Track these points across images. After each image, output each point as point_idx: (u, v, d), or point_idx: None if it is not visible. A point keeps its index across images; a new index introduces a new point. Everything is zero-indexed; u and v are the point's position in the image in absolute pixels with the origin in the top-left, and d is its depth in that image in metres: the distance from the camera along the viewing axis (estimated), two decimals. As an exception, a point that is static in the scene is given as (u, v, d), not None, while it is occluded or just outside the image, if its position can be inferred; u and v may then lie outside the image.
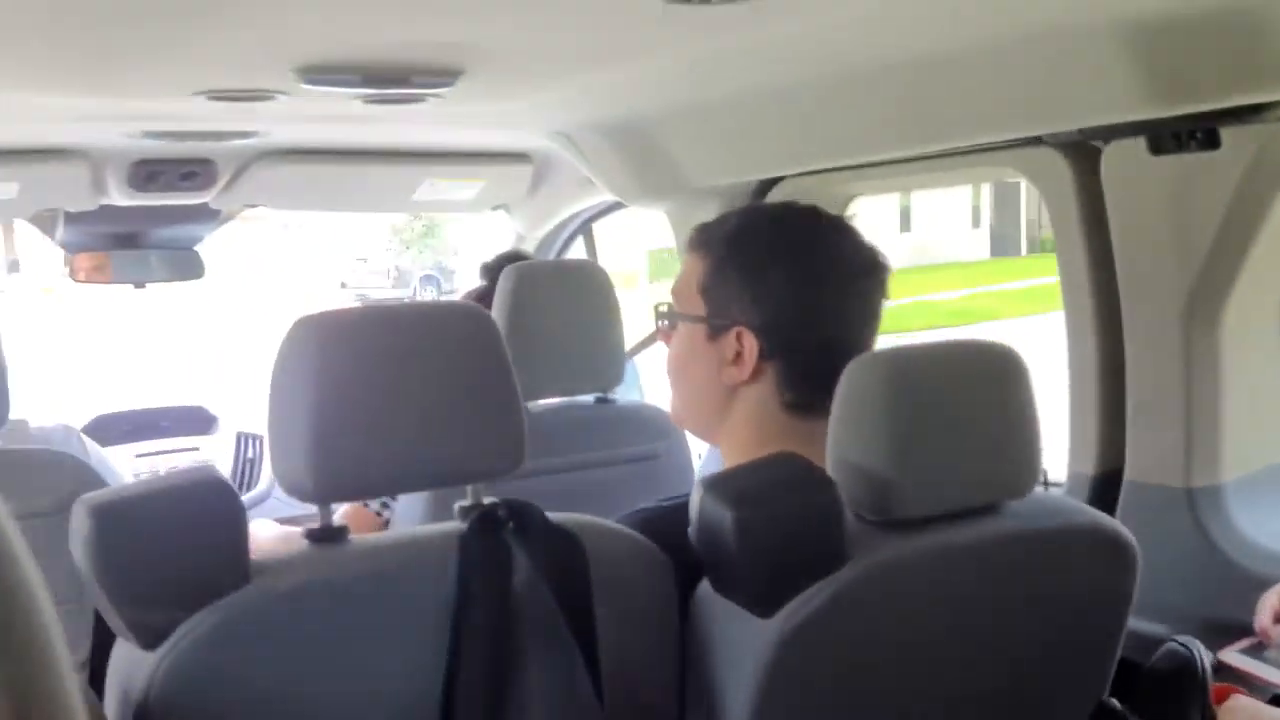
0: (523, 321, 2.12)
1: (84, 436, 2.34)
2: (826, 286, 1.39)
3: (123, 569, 1.06)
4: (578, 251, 3.19)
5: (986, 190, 21.01)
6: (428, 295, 19.80)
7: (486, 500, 1.24)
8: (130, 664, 1.08)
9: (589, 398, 2.28)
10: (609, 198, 2.86)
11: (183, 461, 3.00)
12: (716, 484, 1.19)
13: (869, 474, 1.20)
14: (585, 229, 3.11)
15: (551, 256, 3.16)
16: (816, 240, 1.41)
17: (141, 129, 2.17)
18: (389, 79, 1.61)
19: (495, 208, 3.01)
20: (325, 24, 1.41)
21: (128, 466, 2.94)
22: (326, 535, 1.18)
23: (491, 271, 2.48)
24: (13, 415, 2.02)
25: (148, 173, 2.45)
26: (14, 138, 2.28)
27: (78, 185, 2.43)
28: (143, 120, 2.11)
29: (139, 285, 2.89)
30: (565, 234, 3.12)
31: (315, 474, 1.14)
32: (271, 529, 2.36)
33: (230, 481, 2.89)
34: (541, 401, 2.23)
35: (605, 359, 2.23)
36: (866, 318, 1.41)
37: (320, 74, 1.57)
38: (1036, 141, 1.81)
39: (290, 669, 1.09)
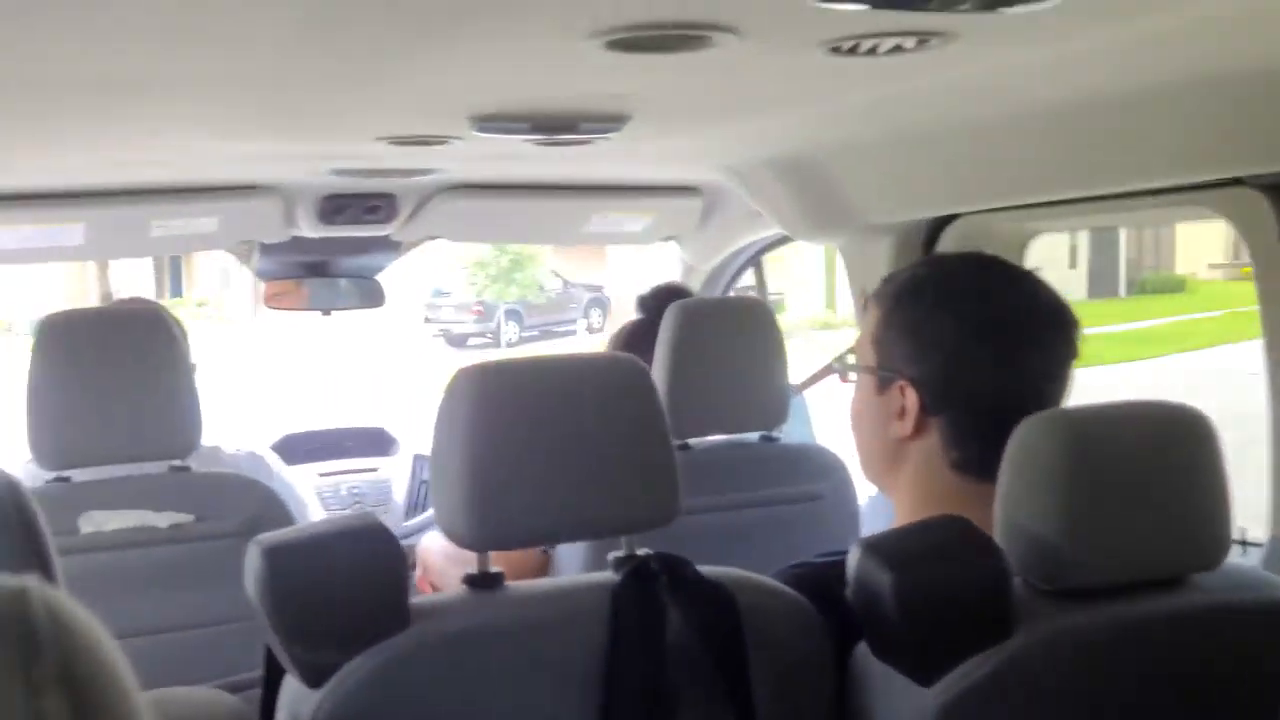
0: (686, 358, 2.12)
1: (270, 462, 2.44)
2: (995, 341, 1.33)
3: (290, 608, 1.10)
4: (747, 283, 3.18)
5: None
6: (511, 329, 19.59)
7: (640, 551, 1.24)
8: (296, 699, 1.12)
9: (753, 436, 2.26)
10: (779, 231, 2.84)
11: (363, 482, 3.11)
12: (875, 545, 1.16)
13: (1041, 540, 1.15)
14: (755, 261, 3.09)
15: (720, 288, 3.16)
16: (988, 292, 1.35)
17: (329, 167, 2.27)
18: (557, 126, 1.64)
19: (665, 239, 3.02)
20: (497, 79, 1.45)
21: (311, 485, 3.06)
22: (483, 581, 1.19)
23: (647, 304, 2.48)
24: (206, 440, 2.13)
25: (335, 207, 2.55)
26: (215, 176, 2.41)
27: (271, 219, 2.56)
28: (331, 160, 2.20)
29: (326, 312, 3.02)
30: (735, 266, 3.12)
31: (472, 522, 1.16)
32: (439, 540, 2.43)
33: (406, 501, 2.99)
34: (705, 439, 2.22)
35: (770, 397, 2.21)
36: (1047, 375, 1.34)
37: (491, 122, 1.61)
38: (1235, 182, 1.71)
39: (446, 713, 1.11)
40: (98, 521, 1.96)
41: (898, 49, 1.20)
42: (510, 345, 19.11)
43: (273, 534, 1.15)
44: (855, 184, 2.20)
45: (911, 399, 1.33)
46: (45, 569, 0.94)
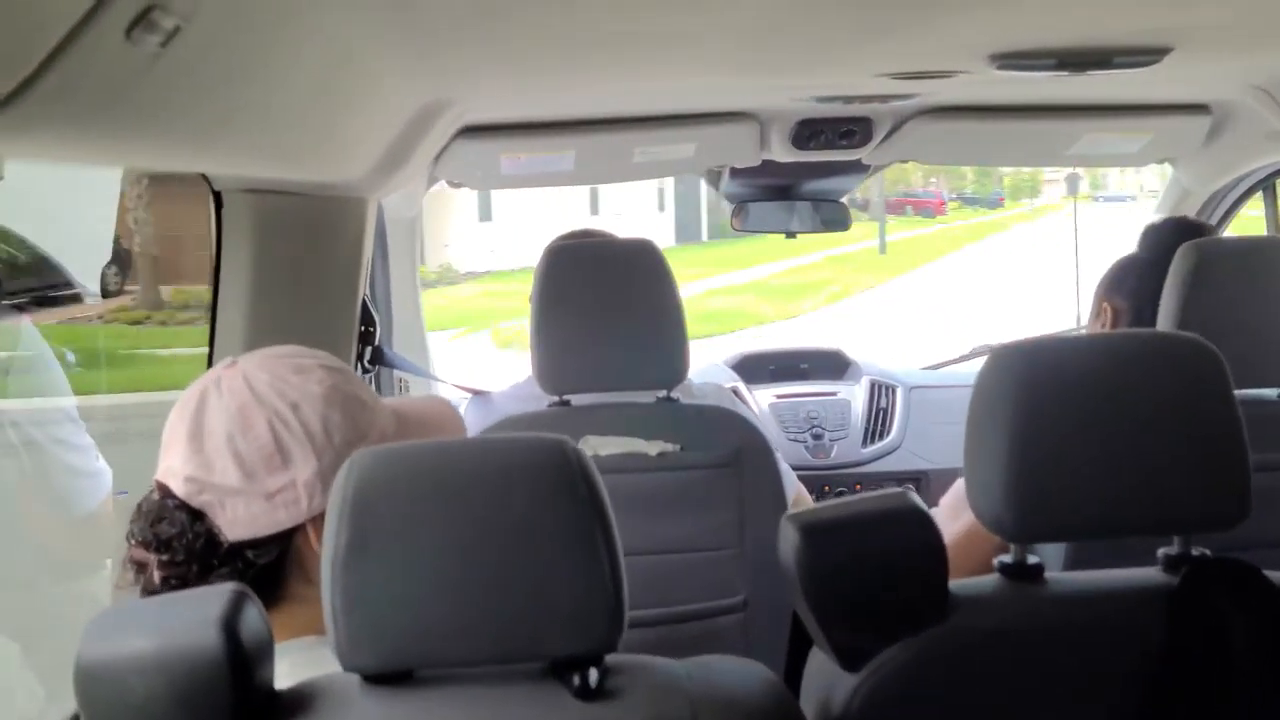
0: (1199, 304, 1.93)
1: (735, 393, 2.47)
2: None
3: (827, 589, 1.09)
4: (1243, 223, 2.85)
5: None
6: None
7: (1195, 552, 1.13)
8: (829, 679, 1.11)
9: (1271, 392, 2.03)
10: (1303, 154, 2.52)
11: (820, 405, 3.10)
12: None
13: None
14: (1267, 185, 2.76)
15: (1219, 214, 2.86)
16: None
17: (812, 95, 2.23)
18: (1087, 61, 1.50)
19: (1161, 160, 2.76)
20: (1027, 14, 1.34)
21: (768, 406, 3.10)
22: (1022, 573, 1.13)
23: (1150, 240, 2.24)
24: None
25: (810, 132, 2.52)
26: (694, 105, 2.44)
27: (746, 144, 2.57)
28: (816, 89, 2.16)
29: (790, 235, 3.02)
30: (1238, 191, 2.80)
31: (1014, 511, 1.10)
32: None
33: (863, 427, 2.95)
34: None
35: None
36: None
37: (1014, 59, 1.50)
38: None
39: (982, 710, 1.07)
40: (594, 446, 2.07)
41: None
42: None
43: (809, 512, 1.15)
44: None
45: None
46: (606, 531, 0.97)
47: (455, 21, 1.32)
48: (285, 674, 1.01)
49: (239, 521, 1.07)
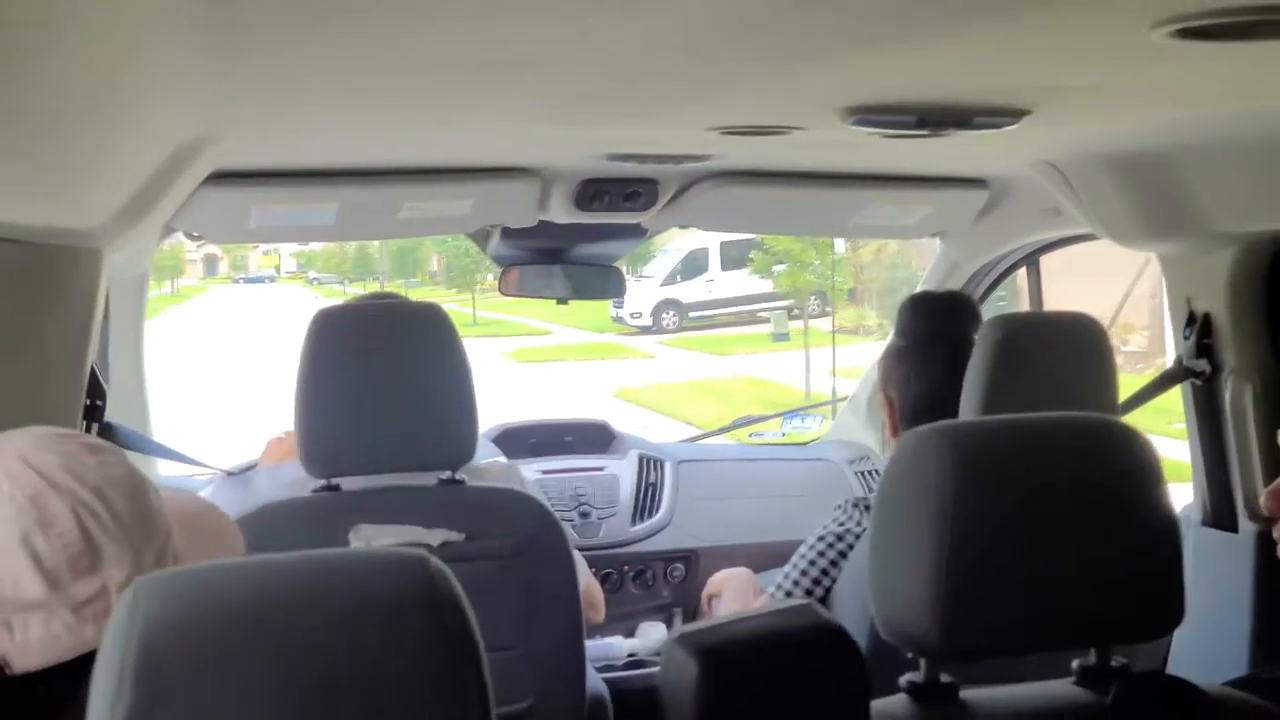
0: (1005, 379, 1.90)
1: (523, 472, 2.27)
2: None
3: None
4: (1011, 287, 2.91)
5: None
6: None
7: (1116, 663, 1.01)
8: None
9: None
10: (1067, 231, 2.57)
11: (587, 481, 2.92)
12: None
13: None
14: (1031, 261, 2.82)
15: (982, 289, 2.90)
16: None
17: (606, 151, 2.08)
18: (947, 120, 1.41)
19: (934, 234, 2.77)
20: (892, 68, 1.23)
21: (533, 482, 2.89)
22: (935, 694, 0.98)
23: (903, 321, 2.15)
24: None
25: (593, 192, 2.37)
26: (470, 158, 2.25)
27: (525, 203, 2.39)
28: (613, 144, 2.01)
29: (563, 300, 2.85)
30: (1003, 266, 2.85)
31: (944, 626, 0.95)
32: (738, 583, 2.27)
33: (633, 505, 2.79)
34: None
35: None
36: None
37: (872, 114, 1.39)
38: None
39: None
40: (366, 536, 1.80)
41: None
42: None
43: (700, 631, 0.95)
44: (1208, 187, 1.92)
45: None
46: (479, 675, 0.78)
47: (227, 47, 1.09)
48: None
49: (32, 646, 0.83)
